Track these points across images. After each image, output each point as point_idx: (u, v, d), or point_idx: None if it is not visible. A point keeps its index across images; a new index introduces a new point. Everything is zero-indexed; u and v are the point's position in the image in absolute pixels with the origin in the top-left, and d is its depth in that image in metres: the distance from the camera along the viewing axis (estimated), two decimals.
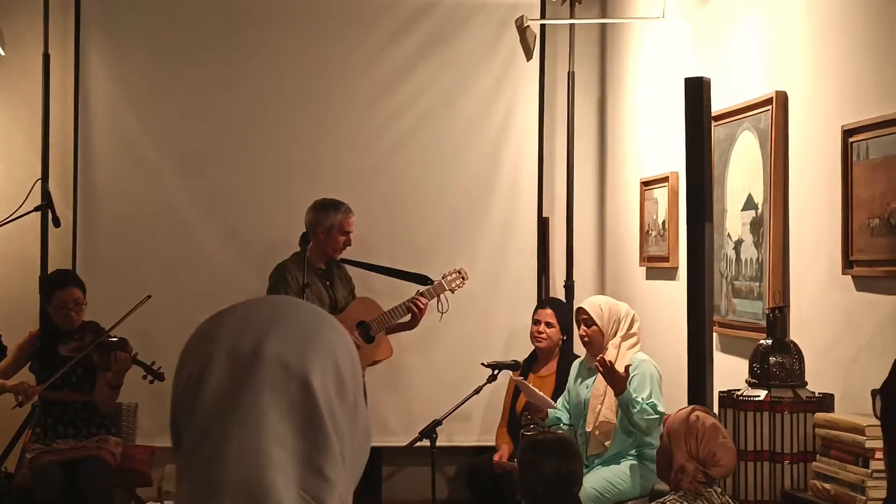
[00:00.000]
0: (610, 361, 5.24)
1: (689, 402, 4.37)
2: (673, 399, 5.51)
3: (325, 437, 1.36)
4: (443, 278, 6.35)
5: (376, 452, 6.95)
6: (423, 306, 6.20)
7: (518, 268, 7.23)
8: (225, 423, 1.35)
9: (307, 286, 5.67)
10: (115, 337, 5.79)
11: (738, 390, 4.37)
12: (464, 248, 7.19)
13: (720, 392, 4.40)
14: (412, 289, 6.31)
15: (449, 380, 7.12)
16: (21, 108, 7.15)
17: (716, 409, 4.39)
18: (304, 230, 6.17)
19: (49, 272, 6.78)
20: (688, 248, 4.60)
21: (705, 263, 4.46)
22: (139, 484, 6.00)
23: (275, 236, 7.00)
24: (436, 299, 6.29)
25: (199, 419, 1.37)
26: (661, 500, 3.74)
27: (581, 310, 5.65)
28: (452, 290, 6.38)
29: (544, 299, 6.61)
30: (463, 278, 6.43)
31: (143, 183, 7.03)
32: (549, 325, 6.25)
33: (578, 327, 5.66)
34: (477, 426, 6.86)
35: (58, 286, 5.80)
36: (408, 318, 6.27)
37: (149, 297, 5.98)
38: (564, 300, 6.93)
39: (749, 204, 5.17)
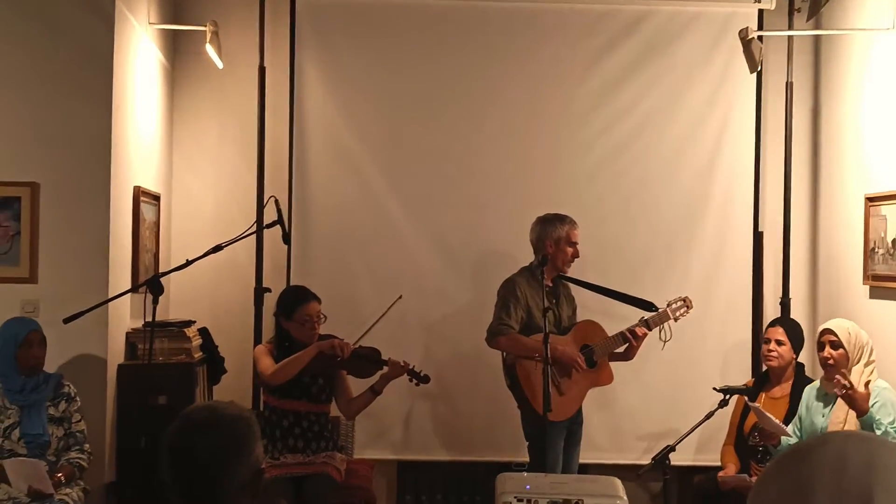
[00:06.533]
0: (851, 382, 5.05)
1: None
2: None
3: None
4: (668, 306, 6.13)
5: (583, 468, 6.89)
6: (641, 336, 6.02)
7: (732, 284, 7.05)
8: None
9: (547, 310, 5.57)
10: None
11: None
12: (676, 263, 7.06)
13: None
14: (633, 312, 6.12)
15: (660, 398, 7.02)
16: (233, 119, 7.25)
17: None
18: (531, 245, 6.06)
19: (261, 284, 6.89)
20: None
21: None
22: (362, 501, 5.98)
23: (484, 247, 6.98)
24: (658, 328, 6.13)
25: None
26: None
27: (828, 331, 5.45)
28: (676, 319, 6.15)
29: (776, 318, 6.41)
30: (688, 307, 6.21)
31: (355, 194, 7.04)
32: (779, 342, 6.08)
33: (822, 349, 5.47)
34: (692, 446, 6.71)
35: (301, 301, 5.80)
36: (623, 348, 6.10)
37: (400, 296, 6.11)
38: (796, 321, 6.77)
39: None
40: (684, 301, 6.21)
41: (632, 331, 6.00)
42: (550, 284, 5.93)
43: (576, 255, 6.04)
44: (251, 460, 2.59)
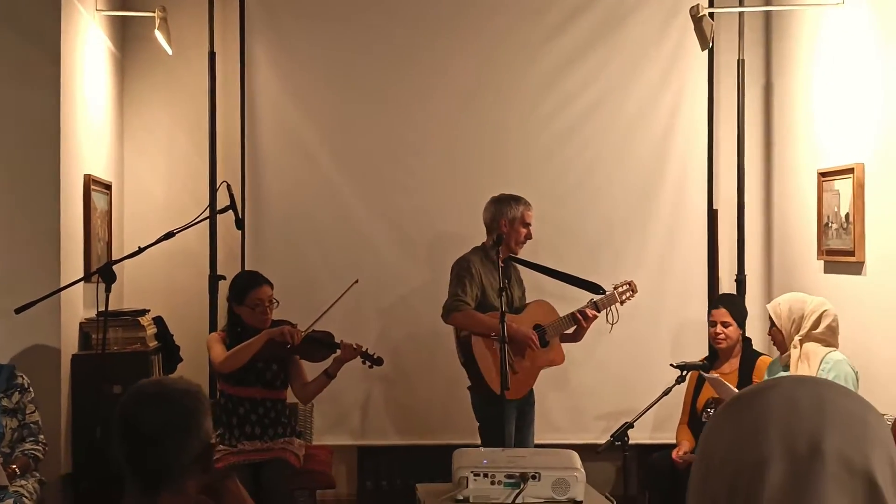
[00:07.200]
0: None
1: None
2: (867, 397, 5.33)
3: None
4: (614, 289, 6.16)
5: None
6: (591, 317, 6.02)
7: (686, 262, 7.08)
8: None
9: (503, 290, 5.56)
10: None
11: None
12: (631, 242, 7.08)
13: None
14: (581, 294, 6.13)
15: (617, 377, 7.03)
16: (184, 105, 7.18)
17: None
18: (485, 224, 6.04)
19: (215, 272, 6.84)
20: None
21: None
22: (321, 485, 5.97)
23: (438, 229, 6.99)
24: (605, 310, 6.14)
25: None
26: None
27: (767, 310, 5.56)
28: (622, 303, 6.19)
29: (717, 298, 6.46)
30: (633, 291, 6.25)
31: (308, 178, 7.01)
32: (725, 324, 6.12)
33: None
34: (649, 424, 6.72)
35: (252, 285, 5.77)
36: (572, 329, 6.10)
37: (356, 281, 5.99)
38: (736, 294, 6.79)
39: None
40: (629, 285, 6.25)
41: (582, 312, 6.02)
42: (502, 265, 5.92)
43: (529, 235, 6.04)
44: (200, 433, 2.58)
